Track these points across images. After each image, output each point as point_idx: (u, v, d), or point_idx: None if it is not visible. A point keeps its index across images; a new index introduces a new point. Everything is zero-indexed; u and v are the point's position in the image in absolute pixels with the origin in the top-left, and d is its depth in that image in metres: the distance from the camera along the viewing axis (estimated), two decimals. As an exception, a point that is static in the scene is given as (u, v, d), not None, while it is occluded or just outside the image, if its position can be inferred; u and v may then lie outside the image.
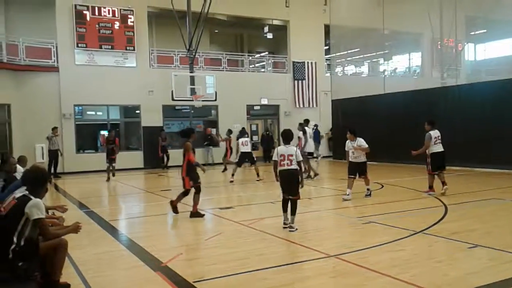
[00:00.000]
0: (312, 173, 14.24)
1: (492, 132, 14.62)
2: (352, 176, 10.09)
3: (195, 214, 8.51)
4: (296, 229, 7.06)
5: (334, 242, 6.66)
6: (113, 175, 16.01)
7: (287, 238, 6.67)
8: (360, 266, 5.27)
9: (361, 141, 10.08)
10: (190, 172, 8.48)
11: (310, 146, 14.24)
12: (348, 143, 10.23)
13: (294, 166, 7.10)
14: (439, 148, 10.24)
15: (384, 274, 4.94)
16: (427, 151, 10.28)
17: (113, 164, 15.97)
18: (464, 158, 14.75)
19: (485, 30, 27.77)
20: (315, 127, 22.56)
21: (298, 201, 7.24)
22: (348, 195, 9.93)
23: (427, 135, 10.23)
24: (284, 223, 7.28)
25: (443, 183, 10.19)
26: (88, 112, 21.34)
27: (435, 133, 10.24)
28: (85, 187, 15.41)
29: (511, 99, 14.30)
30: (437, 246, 6.18)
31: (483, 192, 10.76)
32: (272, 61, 25.91)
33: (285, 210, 7.29)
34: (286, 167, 7.10)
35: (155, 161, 20.49)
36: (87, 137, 21.12)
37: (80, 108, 20.55)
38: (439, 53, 24.95)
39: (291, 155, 7.09)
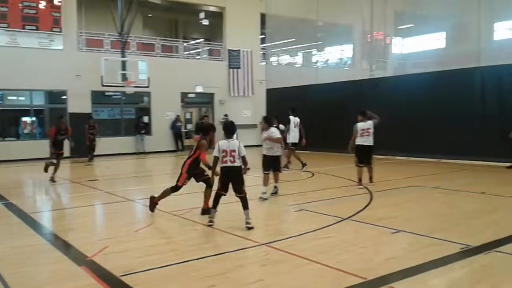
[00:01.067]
0: (289, 165, 13.54)
1: (417, 122, 15.42)
2: (267, 172, 8.97)
3: (206, 211, 7.32)
4: (252, 227, 6.46)
5: (266, 230, 6.74)
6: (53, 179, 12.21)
7: (219, 228, 6.63)
8: (290, 253, 5.36)
9: (271, 131, 8.96)
10: (192, 170, 7.39)
11: (295, 137, 13.18)
12: (263, 133, 9.14)
13: (238, 163, 6.53)
14: (364, 141, 9.95)
15: (312, 261, 5.06)
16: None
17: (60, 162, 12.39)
18: (390, 147, 15.47)
19: (412, 25, 29.20)
20: (225, 117, 22.57)
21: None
22: (265, 193, 8.81)
23: (354, 126, 10.08)
24: (210, 221, 6.66)
25: (370, 179, 10.22)
26: (9, 97, 19.93)
27: (364, 125, 9.96)
28: (5, 177, 14.43)
29: (435, 91, 15.11)
30: (363, 232, 6.42)
31: (407, 180, 11.34)
32: (208, 48, 25.61)
33: (215, 206, 6.70)
34: (229, 164, 6.49)
35: (82, 149, 19.63)
36: (8, 124, 19.76)
37: (0, 92, 19.17)
38: (368, 46, 25.90)
39: (234, 151, 6.50)
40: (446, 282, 4.60)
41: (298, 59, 28.78)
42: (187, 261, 5.15)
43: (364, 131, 9.93)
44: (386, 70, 24.42)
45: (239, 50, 24.15)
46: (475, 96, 14.46)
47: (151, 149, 21.06)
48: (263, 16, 23.81)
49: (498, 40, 27.49)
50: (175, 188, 7.47)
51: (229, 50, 24.00)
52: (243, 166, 6.66)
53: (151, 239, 6.23)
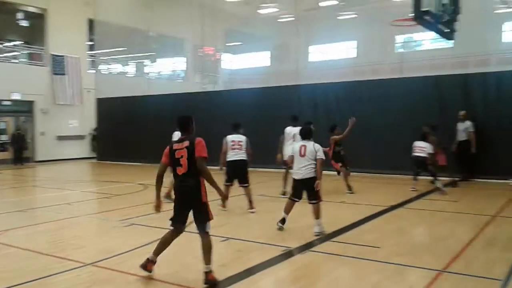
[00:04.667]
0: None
1: (254, 135, 16.13)
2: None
3: None
4: None
5: (92, 249, 6.34)
6: None
7: (36, 250, 6.00)
8: (119, 271, 5.16)
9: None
10: None
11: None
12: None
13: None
14: (233, 155, 8.59)
15: (142, 277, 4.93)
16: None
17: None
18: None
19: (240, 43, 31.07)
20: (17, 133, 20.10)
21: None
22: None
23: (224, 139, 8.83)
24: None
25: (250, 202, 8.70)
26: None
27: (234, 137, 8.74)
28: None
29: (263, 105, 16.17)
30: (194, 242, 6.47)
31: (239, 189, 11.76)
32: (27, 52, 23.21)
33: None
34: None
35: None
36: None
37: None
38: (200, 60, 26.65)
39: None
40: (273, 282, 4.98)
41: (130, 69, 28.10)
42: (-1, 291, 4.55)
43: (235, 144, 8.65)
44: (217, 84, 25.42)
45: (63, 55, 22.38)
46: (294, 112, 15.87)
47: None
48: (91, 22, 22.55)
49: (313, 62, 31.06)
50: None
51: (52, 55, 22.06)
52: None
53: None
